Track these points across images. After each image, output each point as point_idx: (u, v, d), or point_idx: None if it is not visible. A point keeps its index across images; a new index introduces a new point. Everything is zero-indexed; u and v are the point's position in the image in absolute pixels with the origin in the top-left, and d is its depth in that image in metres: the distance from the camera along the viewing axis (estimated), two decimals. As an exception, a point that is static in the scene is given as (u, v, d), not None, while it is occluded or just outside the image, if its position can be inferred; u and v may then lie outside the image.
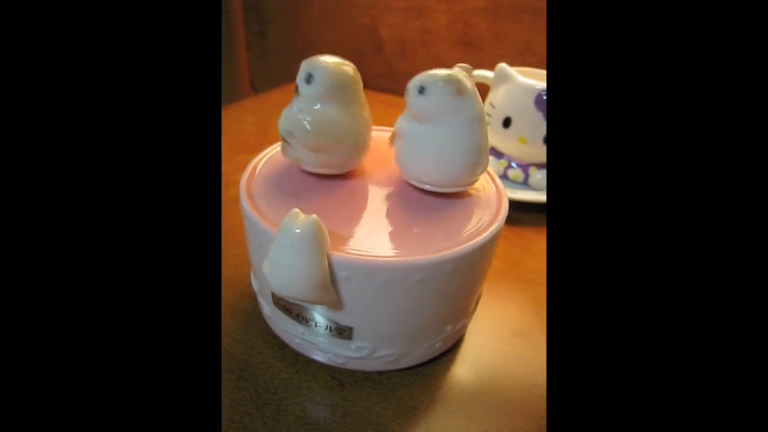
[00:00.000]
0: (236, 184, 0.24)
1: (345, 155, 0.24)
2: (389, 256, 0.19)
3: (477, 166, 0.23)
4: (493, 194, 0.26)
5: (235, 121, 0.56)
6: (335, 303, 0.20)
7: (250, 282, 0.29)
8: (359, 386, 0.23)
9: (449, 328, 0.23)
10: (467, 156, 0.22)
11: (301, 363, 0.24)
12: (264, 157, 0.27)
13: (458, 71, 0.23)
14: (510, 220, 0.38)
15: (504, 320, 0.28)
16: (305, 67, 0.23)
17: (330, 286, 0.19)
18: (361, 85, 0.25)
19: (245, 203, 0.22)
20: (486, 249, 0.21)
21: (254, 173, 0.25)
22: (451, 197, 0.24)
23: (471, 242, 0.20)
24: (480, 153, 0.23)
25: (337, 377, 0.23)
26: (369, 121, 0.25)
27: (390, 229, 0.22)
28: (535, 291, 0.31)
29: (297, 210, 0.18)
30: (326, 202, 0.23)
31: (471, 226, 0.22)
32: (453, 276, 0.20)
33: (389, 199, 0.24)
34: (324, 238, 0.18)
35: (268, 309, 0.24)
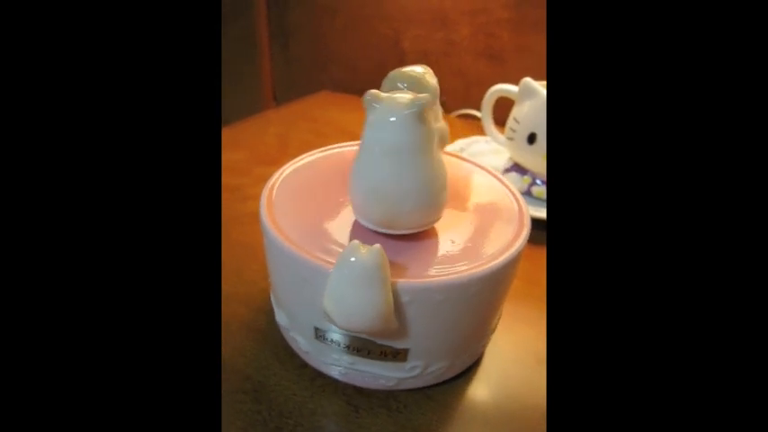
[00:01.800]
0: (257, 198, 0.24)
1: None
2: (446, 275, 0.20)
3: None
4: (514, 207, 0.26)
5: (256, 132, 0.57)
6: (395, 329, 0.20)
7: (269, 298, 0.29)
8: (374, 412, 0.22)
9: (490, 329, 0.25)
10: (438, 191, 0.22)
11: (317, 384, 0.24)
12: (287, 170, 0.27)
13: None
14: (533, 239, 0.37)
15: (526, 346, 0.27)
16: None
17: (393, 314, 0.19)
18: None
19: (266, 222, 0.22)
20: (517, 260, 0.22)
21: (274, 188, 0.25)
22: (465, 203, 0.25)
23: (509, 251, 0.21)
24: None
25: (353, 402, 0.23)
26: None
27: (427, 245, 0.22)
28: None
29: (357, 241, 0.18)
30: (352, 220, 0.23)
31: (501, 237, 0.23)
32: (499, 285, 0.22)
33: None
34: (387, 266, 0.18)
35: (305, 343, 0.23)
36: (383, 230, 0.22)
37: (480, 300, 0.21)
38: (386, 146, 0.20)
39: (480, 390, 0.24)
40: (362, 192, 0.21)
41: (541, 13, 0.59)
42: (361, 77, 0.74)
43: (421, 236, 0.23)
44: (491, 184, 0.28)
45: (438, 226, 0.23)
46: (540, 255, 0.36)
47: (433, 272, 0.20)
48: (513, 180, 0.41)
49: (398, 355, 0.22)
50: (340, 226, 0.22)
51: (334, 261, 0.19)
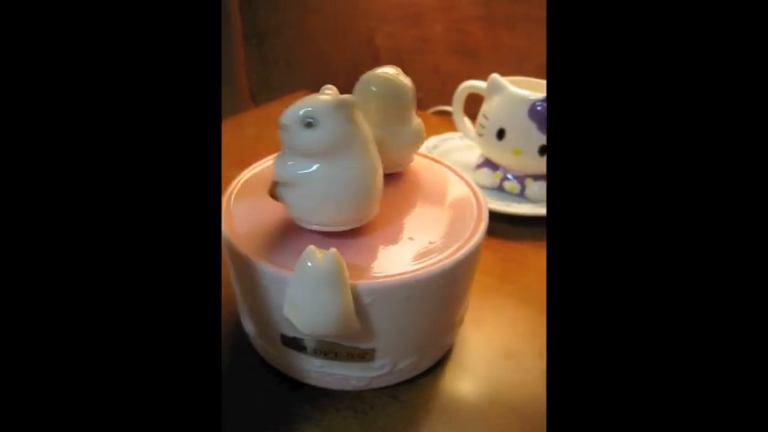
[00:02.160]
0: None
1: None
2: (406, 274, 0.20)
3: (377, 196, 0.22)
4: (473, 202, 0.26)
5: (232, 134, 0.56)
6: (358, 330, 0.20)
7: (235, 306, 0.28)
8: (341, 415, 0.22)
9: (456, 322, 0.25)
10: (369, 187, 0.21)
11: (284, 389, 0.23)
12: (246, 176, 0.27)
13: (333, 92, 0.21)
14: (505, 234, 0.37)
15: (494, 342, 0.27)
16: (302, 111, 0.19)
17: (354, 316, 0.19)
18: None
19: (224, 230, 0.22)
20: (476, 254, 0.23)
21: (232, 194, 0.25)
22: (426, 202, 0.26)
23: (468, 246, 0.22)
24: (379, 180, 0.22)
25: (319, 406, 0.23)
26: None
27: (386, 245, 0.22)
28: (529, 310, 0.30)
29: (312, 247, 0.18)
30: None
31: (460, 232, 0.23)
32: (460, 279, 0.22)
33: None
34: (345, 269, 0.18)
35: (273, 350, 0.23)
36: (317, 228, 0.21)
37: (442, 295, 0.22)
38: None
39: (447, 388, 0.24)
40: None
41: (512, 9, 0.59)
42: (336, 76, 0.73)
43: (380, 236, 0.22)
44: (450, 179, 0.28)
45: (396, 224, 0.23)
46: (509, 249, 0.36)
47: (393, 271, 0.20)
48: (485, 176, 0.41)
49: (366, 356, 0.22)
50: (299, 231, 0.22)
51: (292, 267, 0.19)
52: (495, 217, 0.39)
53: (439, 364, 0.25)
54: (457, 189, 0.27)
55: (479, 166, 0.42)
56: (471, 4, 0.61)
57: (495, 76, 0.39)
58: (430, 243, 0.22)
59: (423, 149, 0.47)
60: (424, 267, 0.20)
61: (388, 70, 0.26)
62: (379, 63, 0.75)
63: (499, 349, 0.27)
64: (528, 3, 0.58)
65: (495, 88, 0.39)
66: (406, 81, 0.26)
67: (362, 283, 0.19)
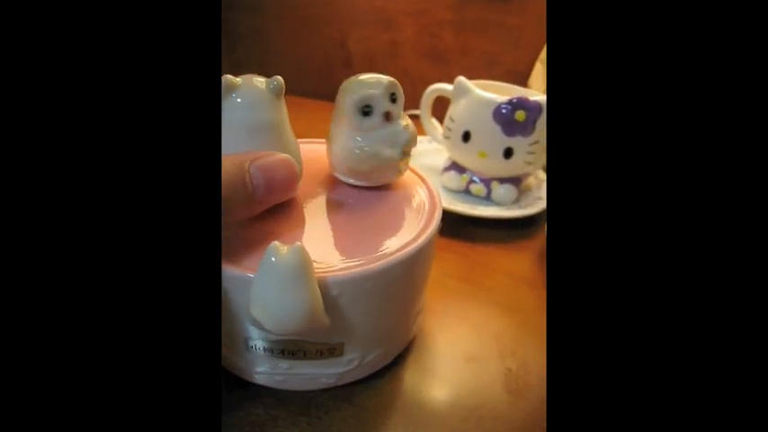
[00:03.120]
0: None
1: None
2: (371, 263, 0.20)
3: None
4: (425, 195, 0.27)
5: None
6: (328, 324, 0.20)
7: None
8: (293, 421, 0.22)
9: (418, 310, 0.26)
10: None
11: (236, 397, 0.23)
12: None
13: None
14: (471, 237, 0.37)
15: (457, 344, 0.27)
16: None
17: (323, 310, 0.19)
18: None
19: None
20: (432, 241, 0.23)
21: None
22: (376, 194, 0.26)
23: (425, 234, 0.22)
24: None
25: (272, 412, 0.22)
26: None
27: (344, 234, 0.22)
28: (493, 312, 0.30)
29: (276, 242, 0.18)
30: (267, 222, 0.22)
31: (422, 218, 0.24)
32: (420, 267, 0.23)
33: (321, 206, 0.25)
34: (310, 263, 0.18)
35: (235, 357, 0.22)
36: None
37: (403, 284, 0.22)
38: (245, 124, 0.21)
39: (406, 391, 0.24)
40: None
41: (482, 14, 0.59)
42: (309, 79, 0.73)
43: (338, 231, 0.22)
44: (410, 179, 0.28)
45: (355, 219, 0.24)
46: (475, 252, 0.36)
47: (357, 262, 0.20)
48: (452, 179, 0.41)
49: (335, 351, 0.21)
50: (257, 232, 0.22)
51: (254, 267, 0.18)
52: (460, 220, 0.39)
53: (399, 366, 0.25)
54: (411, 185, 0.27)
55: (446, 169, 0.42)
56: (442, 9, 0.61)
57: (461, 79, 0.39)
58: (388, 236, 0.22)
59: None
60: (386, 257, 0.20)
61: (368, 75, 0.26)
62: (351, 67, 0.75)
63: (461, 352, 0.27)
64: (498, 9, 0.59)
65: (461, 91, 0.39)
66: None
67: (330, 275, 0.19)
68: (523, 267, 0.34)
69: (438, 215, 0.24)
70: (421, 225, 0.23)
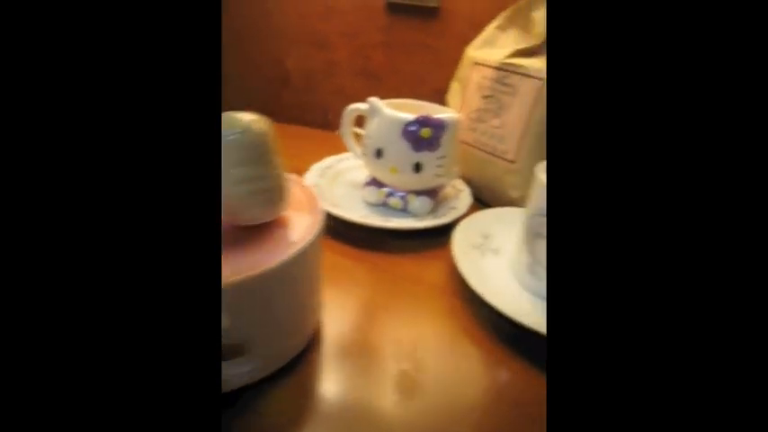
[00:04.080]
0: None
1: None
2: (262, 266, 0.21)
3: None
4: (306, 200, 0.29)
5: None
6: (228, 326, 0.21)
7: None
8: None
9: (315, 306, 0.28)
10: None
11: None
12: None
13: None
14: (387, 248, 0.39)
15: (355, 349, 0.29)
16: None
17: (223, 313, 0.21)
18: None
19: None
20: (318, 243, 0.26)
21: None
22: None
23: (310, 235, 0.25)
24: None
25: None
26: None
27: (232, 245, 0.24)
28: (399, 320, 0.32)
29: None
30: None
31: (300, 227, 0.26)
32: (308, 266, 0.25)
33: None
34: None
35: None
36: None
37: (295, 283, 0.24)
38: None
39: (301, 393, 0.25)
40: None
41: (410, 37, 0.63)
42: (249, 96, 0.74)
43: (228, 243, 0.24)
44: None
45: (240, 230, 0.25)
46: (387, 263, 0.38)
47: (248, 266, 0.22)
48: (371, 193, 0.43)
49: (237, 351, 0.23)
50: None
51: None
52: (378, 232, 0.41)
53: (297, 368, 0.26)
54: (297, 193, 0.29)
55: (367, 184, 0.44)
56: (374, 31, 0.64)
57: (372, 99, 0.41)
58: (274, 242, 0.24)
59: (317, 169, 0.48)
60: (276, 257, 0.22)
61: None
62: (289, 85, 0.76)
63: (359, 355, 0.28)
64: (424, 32, 0.62)
65: (374, 111, 0.41)
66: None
67: (225, 283, 0.21)
68: (433, 275, 0.36)
69: (320, 218, 0.26)
70: (303, 231, 0.25)
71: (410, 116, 0.39)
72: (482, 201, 0.48)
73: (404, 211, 0.43)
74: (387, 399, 0.25)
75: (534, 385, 0.27)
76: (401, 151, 0.39)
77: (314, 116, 0.71)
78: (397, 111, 0.40)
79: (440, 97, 0.54)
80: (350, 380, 0.27)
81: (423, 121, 0.38)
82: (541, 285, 0.33)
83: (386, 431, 0.24)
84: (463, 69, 0.51)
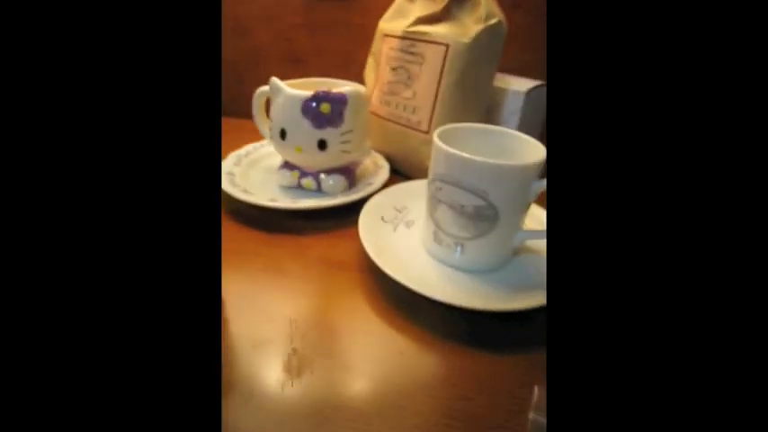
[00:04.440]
0: None
1: None
2: None
3: None
4: None
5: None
6: None
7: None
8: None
9: None
10: None
11: None
12: None
13: None
14: (299, 230, 0.38)
15: (249, 332, 0.28)
16: None
17: None
18: None
19: None
20: None
21: None
22: None
23: None
24: None
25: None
26: None
27: None
28: (293, 298, 0.31)
29: None
30: None
31: None
32: None
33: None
34: None
35: None
36: None
37: None
38: None
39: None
40: None
41: (329, 15, 0.61)
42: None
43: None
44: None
45: None
46: (295, 243, 0.37)
47: None
48: (284, 176, 0.42)
49: None
50: None
51: None
52: (291, 215, 0.40)
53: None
54: None
55: (280, 168, 0.43)
56: (292, 13, 0.62)
57: (273, 79, 0.40)
58: None
59: (234, 156, 0.47)
60: None
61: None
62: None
63: (251, 338, 0.27)
64: (346, 9, 0.60)
65: (275, 91, 0.40)
66: None
67: None
68: (339, 252, 0.36)
69: None
70: None
71: (308, 93, 0.38)
72: (403, 174, 0.48)
73: (318, 191, 0.42)
74: (274, 378, 0.25)
75: (431, 351, 0.27)
76: (303, 129, 0.38)
77: (243, 106, 0.69)
78: (303, 89, 0.38)
79: (364, 75, 0.53)
80: (240, 363, 0.26)
81: (322, 97, 0.37)
82: (445, 252, 0.33)
83: (274, 409, 0.23)
84: (376, 43, 0.50)
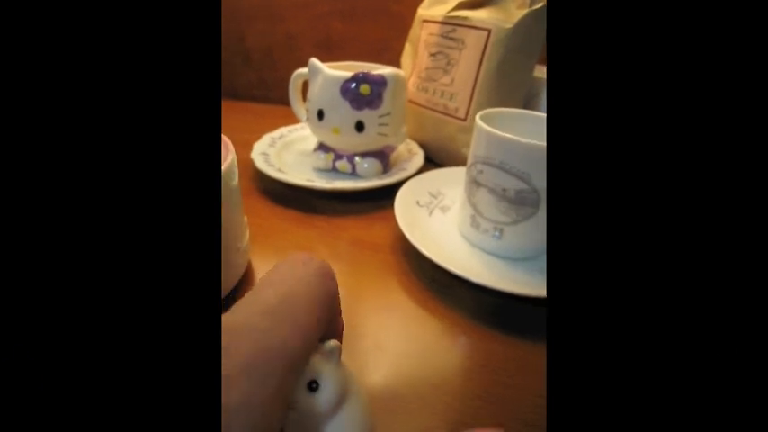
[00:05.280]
0: None
1: None
2: None
3: None
4: None
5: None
6: None
7: None
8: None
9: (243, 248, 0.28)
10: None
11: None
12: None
13: None
14: (333, 211, 0.38)
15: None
16: None
17: None
18: None
19: None
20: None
21: None
22: None
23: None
24: None
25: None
26: None
27: None
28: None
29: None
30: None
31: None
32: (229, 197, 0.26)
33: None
34: None
35: None
36: None
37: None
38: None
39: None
40: None
41: (368, 2, 0.61)
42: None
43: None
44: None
45: None
46: (330, 225, 0.37)
47: None
48: (319, 159, 0.42)
49: None
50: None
51: None
52: (325, 196, 0.40)
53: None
54: None
55: (315, 150, 0.43)
56: (329, 0, 0.62)
57: (313, 60, 0.40)
58: None
59: (268, 138, 0.47)
60: None
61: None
62: (251, 63, 0.75)
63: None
64: (382, -4, 0.60)
65: (314, 72, 0.40)
66: None
67: None
68: (373, 235, 0.36)
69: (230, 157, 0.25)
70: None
71: (348, 74, 0.37)
72: (437, 163, 0.47)
73: (353, 174, 0.42)
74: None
75: (465, 334, 0.26)
76: (342, 110, 0.38)
77: (276, 93, 0.70)
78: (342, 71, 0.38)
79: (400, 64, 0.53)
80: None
81: (361, 78, 0.37)
82: (482, 237, 0.32)
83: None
84: (414, 29, 0.49)
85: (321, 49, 0.66)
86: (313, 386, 0.15)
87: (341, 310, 0.18)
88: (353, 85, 0.37)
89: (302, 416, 0.15)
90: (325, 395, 0.15)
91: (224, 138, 0.29)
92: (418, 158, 0.45)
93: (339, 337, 0.18)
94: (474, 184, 0.32)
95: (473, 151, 0.32)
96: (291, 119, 0.52)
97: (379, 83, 0.37)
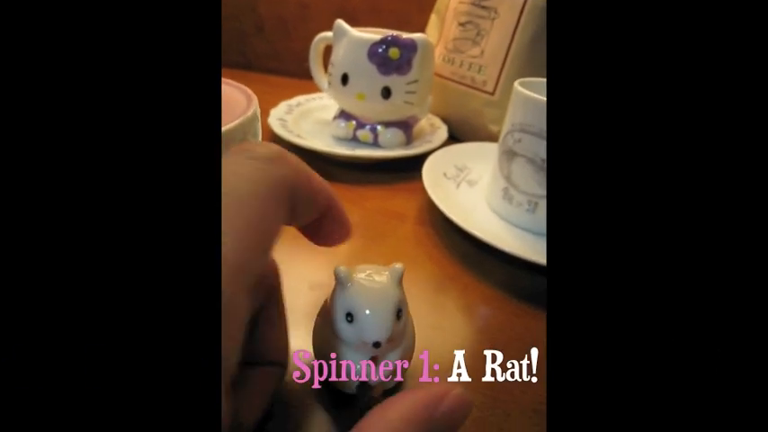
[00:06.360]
0: None
1: None
2: None
3: None
4: None
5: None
6: None
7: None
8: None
9: None
10: None
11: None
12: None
13: None
14: (356, 181, 0.37)
15: (305, 275, 0.26)
16: None
17: None
18: None
19: None
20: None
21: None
22: None
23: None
24: None
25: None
26: None
27: None
28: (347, 243, 0.29)
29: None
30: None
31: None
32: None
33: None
34: None
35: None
36: None
37: None
38: None
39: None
40: None
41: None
42: (223, 46, 0.70)
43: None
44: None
45: None
46: (352, 193, 0.35)
47: None
48: (339, 127, 0.40)
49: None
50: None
51: None
52: (349, 165, 0.38)
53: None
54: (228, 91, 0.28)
55: (335, 118, 0.41)
56: (349, -31, 0.60)
57: (339, 21, 0.38)
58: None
59: (285, 105, 0.45)
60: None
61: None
62: (264, 33, 0.72)
63: (308, 281, 0.26)
64: (405, -33, 0.58)
65: (339, 34, 0.38)
66: None
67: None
68: (398, 205, 0.34)
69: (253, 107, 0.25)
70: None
71: (376, 36, 0.36)
72: (460, 139, 0.46)
73: (374, 144, 0.40)
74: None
75: (496, 308, 0.25)
76: (368, 75, 0.36)
77: (289, 65, 0.67)
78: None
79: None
80: (297, 304, 0.24)
81: (391, 41, 0.35)
82: (514, 210, 0.30)
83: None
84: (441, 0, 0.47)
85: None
86: (399, 314, 0.18)
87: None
88: (382, 48, 0.35)
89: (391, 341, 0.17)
90: (404, 319, 0.18)
91: (246, 89, 0.27)
92: (442, 132, 0.43)
93: (342, 226, 0.18)
94: (509, 154, 0.30)
95: (510, 119, 0.30)
96: (307, 90, 0.50)
97: (410, 47, 0.35)
